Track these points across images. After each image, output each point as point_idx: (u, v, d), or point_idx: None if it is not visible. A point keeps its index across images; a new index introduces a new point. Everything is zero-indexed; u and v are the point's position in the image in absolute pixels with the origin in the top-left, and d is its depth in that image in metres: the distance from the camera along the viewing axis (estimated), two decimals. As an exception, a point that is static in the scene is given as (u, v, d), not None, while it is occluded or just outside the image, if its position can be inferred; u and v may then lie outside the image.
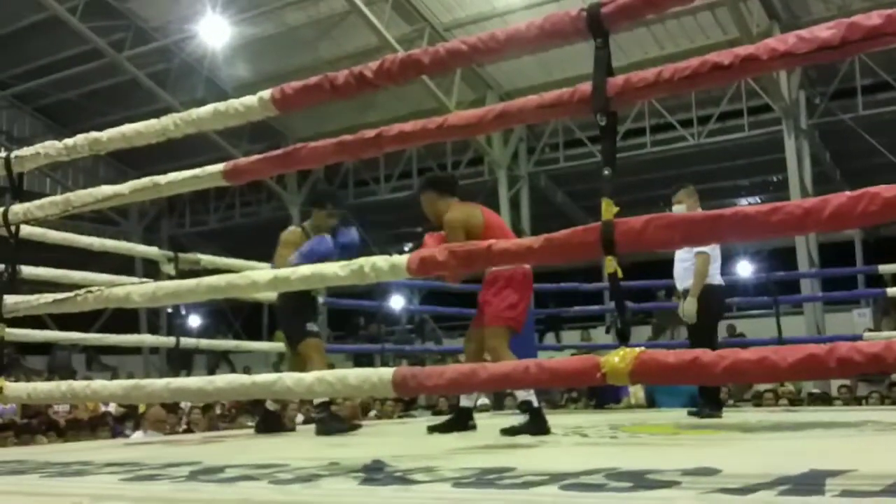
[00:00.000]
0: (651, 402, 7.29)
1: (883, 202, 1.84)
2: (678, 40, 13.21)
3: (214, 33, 14.83)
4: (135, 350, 17.41)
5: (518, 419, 4.32)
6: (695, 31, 13.16)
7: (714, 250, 5.38)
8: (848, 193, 1.90)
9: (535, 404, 4.11)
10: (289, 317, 4.95)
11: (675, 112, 14.73)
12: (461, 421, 4.50)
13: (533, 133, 16.20)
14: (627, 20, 2.25)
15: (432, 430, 4.44)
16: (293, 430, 5.33)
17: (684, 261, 5.48)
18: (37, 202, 3.51)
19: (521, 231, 14.27)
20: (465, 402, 4.59)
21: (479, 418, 4.74)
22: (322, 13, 14.46)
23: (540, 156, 16.34)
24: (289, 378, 2.58)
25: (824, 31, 1.97)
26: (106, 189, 3.35)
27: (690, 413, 5.35)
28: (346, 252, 4.69)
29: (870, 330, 11.32)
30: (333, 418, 4.77)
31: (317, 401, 4.67)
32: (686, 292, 5.40)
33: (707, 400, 5.31)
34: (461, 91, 14.23)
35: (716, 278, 5.45)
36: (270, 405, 5.03)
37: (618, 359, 2.01)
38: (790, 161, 13.05)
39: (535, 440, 3.82)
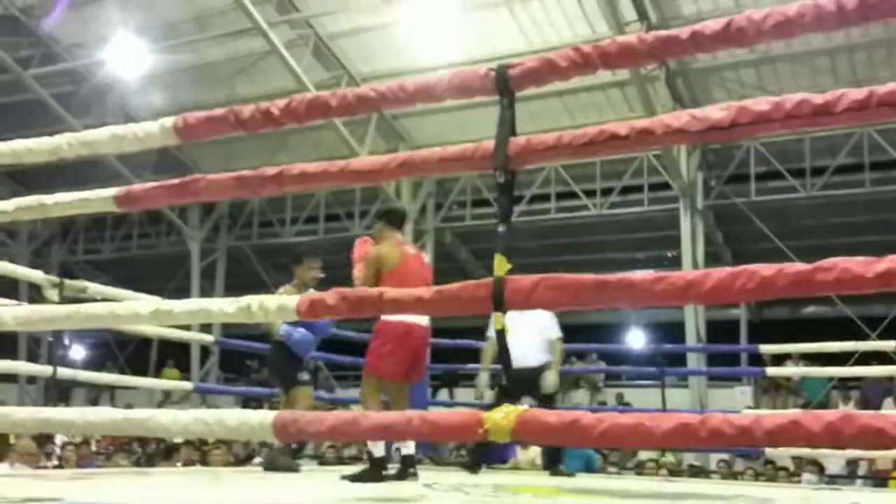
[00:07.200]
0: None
1: (760, 280, 1.92)
2: (588, 113, 13.60)
3: (127, 59, 14.48)
4: (11, 378, 16.51)
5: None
6: (604, 107, 13.60)
7: None
8: (728, 269, 1.97)
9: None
10: (283, 364, 5.57)
11: (580, 181, 15.11)
12: (376, 471, 4.41)
13: (442, 189, 16.34)
14: (533, 83, 2.30)
15: (345, 478, 4.34)
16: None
17: (543, 332, 6.01)
18: (-88, 213, 3.31)
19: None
20: (377, 451, 4.49)
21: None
22: (241, 51, 14.33)
23: (447, 212, 16.47)
24: (163, 415, 2.48)
25: (716, 112, 2.06)
26: (-11, 205, 3.20)
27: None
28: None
29: (749, 407, 11.70)
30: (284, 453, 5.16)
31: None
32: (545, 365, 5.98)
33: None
34: (374, 141, 14.27)
35: None
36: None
37: (501, 415, 2.01)
38: (684, 238, 13.54)
39: (418, 494, 3.79)
